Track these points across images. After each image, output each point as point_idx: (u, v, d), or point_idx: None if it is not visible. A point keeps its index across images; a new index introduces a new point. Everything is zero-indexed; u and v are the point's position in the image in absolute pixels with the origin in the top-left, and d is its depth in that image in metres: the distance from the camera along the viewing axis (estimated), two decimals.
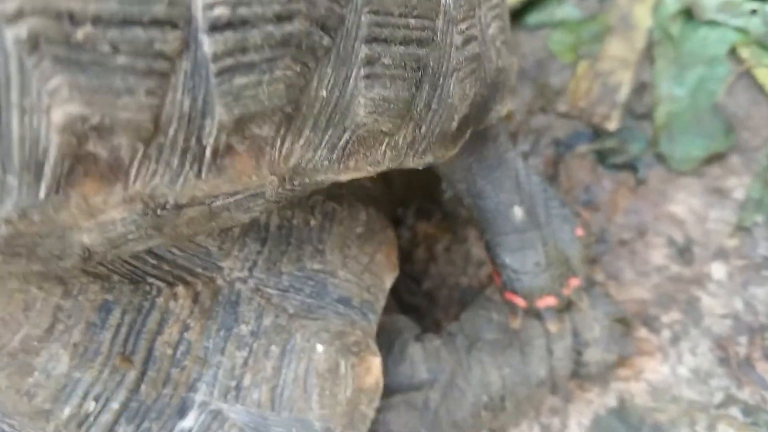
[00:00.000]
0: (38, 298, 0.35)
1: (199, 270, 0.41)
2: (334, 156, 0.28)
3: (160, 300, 0.39)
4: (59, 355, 0.35)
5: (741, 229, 0.57)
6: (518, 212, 0.47)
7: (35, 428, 0.36)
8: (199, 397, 0.40)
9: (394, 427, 0.48)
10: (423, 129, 0.32)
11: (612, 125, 0.65)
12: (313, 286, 0.44)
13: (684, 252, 0.57)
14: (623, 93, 0.66)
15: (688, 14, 0.67)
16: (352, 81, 0.27)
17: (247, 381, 0.41)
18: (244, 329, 0.42)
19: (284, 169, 0.26)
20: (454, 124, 0.34)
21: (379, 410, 0.49)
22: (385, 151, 0.31)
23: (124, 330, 0.37)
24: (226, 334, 0.41)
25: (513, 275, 0.48)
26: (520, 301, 0.49)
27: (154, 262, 0.40)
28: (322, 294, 0.44)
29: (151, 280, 0.39)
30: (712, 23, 0.66)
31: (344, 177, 0.30)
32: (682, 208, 0.59)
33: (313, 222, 0.45)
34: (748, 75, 0.63)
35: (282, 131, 0.25)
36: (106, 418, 0.37)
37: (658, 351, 0.53)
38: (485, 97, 0.37)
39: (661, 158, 0.62)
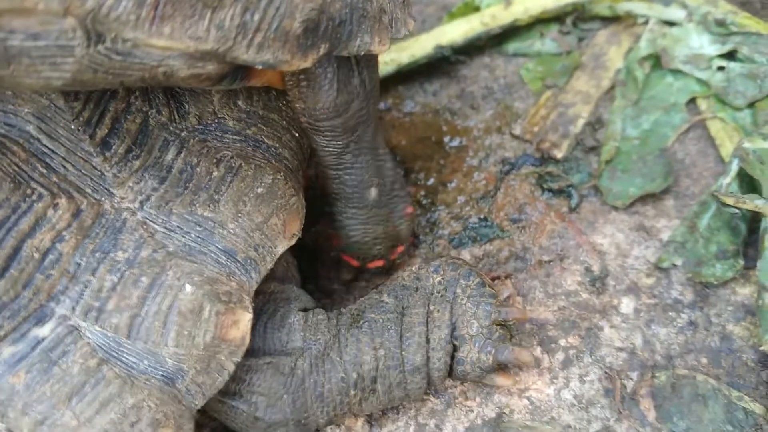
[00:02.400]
0: None
1: (89, 190, 0.43)
2: (144, 13, 0.29)
3: (38, 205, 0.40)
4: None
5: (659, 269, 0.56)
6: (373, 193, 0.54)
7: None
8: (60, 309, 0.42)
9: (258, 389, 0.48)
10: (256, 16, 0.33)
11: (560, 153, 0.65)
12: (199, 232, 0.45)
13: (597, 282, 0.56)
14: (578, 125, 0.67)
15: (657, 61, 0.68)
16: None
17: (110, 305, 0.42)
18: (120, 255, 0.43)
19: (81, 10, 0.27)
20: (297, 25, 0.34)
21: (246, 370, 0.49)
22: (209, 28, 0.31)
23: None
24: (101, 256, 0.42)
25: (354, 245, 0.58)
26: (354, 262, 0.60)
27: (43, 170, 0.42)
28: (208, 241, 0.45)
29: (34, 185, 0.41)
30: (678, 72, 0.66)
31: (160, 43, 0.31)
32: (606, 240, 0.59)
33: (215, 173, 0.47)
34: (702, 126, 0.63)
35: None
36: None
37: (547, 372, 0.52)
38: (344, 17, 0.38)
39: (598, 191, 0.62)
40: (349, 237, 0.57)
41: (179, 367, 0.43)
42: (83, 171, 0.43)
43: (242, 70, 0.43)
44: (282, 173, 0.50)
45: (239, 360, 0.46)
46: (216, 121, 0.49)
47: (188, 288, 0.43)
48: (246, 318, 0.45)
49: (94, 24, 0.29)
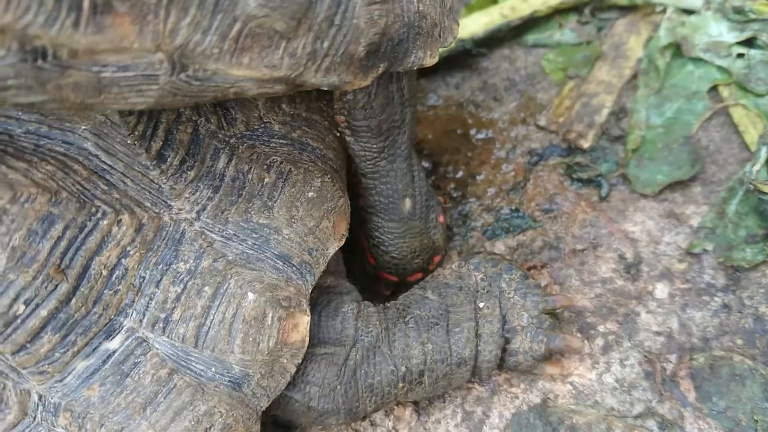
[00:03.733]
0: None
1: (148, 204, 0.44)
2: (226, 46, 0.30)
3: (103, 223, 0.41)
4: None
5: (690, 254, 0.58)
6: (408, 204, 0.54)
7: None
8: (128, 322, 0.43)
9: (312, 380, 0.49)
10: (325, 44, 0.34)
11: (586, 143, 0.66)
12: (256, 239, 0.46)
13: (631, 268, 0.58)
14: (602, 115, 0.68)
15: (677, 49, 0.69)
16: None
17: (176, 315, 0.43)
18: (182, 267, 0.44)
19: (171, 46, 0.28)
20: (361, 49, 0.36)
21: (302, 359, 0.51)
22: (282, 57, 0.33)
23: (63, 244, 0.39)
24: (164, 269, 0.43)
25: (390, 260, 0.57)
26: (393, 278, 0.59)
27: (105, 187, 0.42)
28: (264, 248, 0.46)
29: (98, 203, 0.41)
30: (698, 61, 0.68)
31: (239, 72, 0.32)
32: (638, 228, 0.60)
33: (267, 179, 0.48)
34: (724, 113, 0.65)
35: (165, 1, 0.27)
36: (33, 323, 0.39)
37: (588, 357, 0.54)
38: (402, 36, 0.39)
39: (626, 180, 0.63)
40: (387, 253, 0.57)
41: (245, 372, 0.44)
42: (141, 185, 0.44)
43: None
44: (329, 175, 0.50)
45: (300, 362, 0.47)
46: (263, 125, 0.50)
47: (251, 296, 0.44)
48: (305, 321, 0.47)
49: (180, 58, 0.30)
